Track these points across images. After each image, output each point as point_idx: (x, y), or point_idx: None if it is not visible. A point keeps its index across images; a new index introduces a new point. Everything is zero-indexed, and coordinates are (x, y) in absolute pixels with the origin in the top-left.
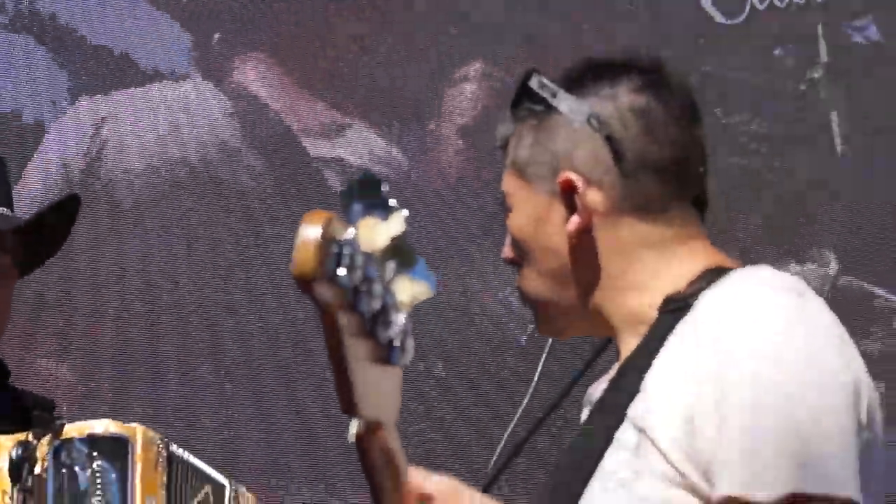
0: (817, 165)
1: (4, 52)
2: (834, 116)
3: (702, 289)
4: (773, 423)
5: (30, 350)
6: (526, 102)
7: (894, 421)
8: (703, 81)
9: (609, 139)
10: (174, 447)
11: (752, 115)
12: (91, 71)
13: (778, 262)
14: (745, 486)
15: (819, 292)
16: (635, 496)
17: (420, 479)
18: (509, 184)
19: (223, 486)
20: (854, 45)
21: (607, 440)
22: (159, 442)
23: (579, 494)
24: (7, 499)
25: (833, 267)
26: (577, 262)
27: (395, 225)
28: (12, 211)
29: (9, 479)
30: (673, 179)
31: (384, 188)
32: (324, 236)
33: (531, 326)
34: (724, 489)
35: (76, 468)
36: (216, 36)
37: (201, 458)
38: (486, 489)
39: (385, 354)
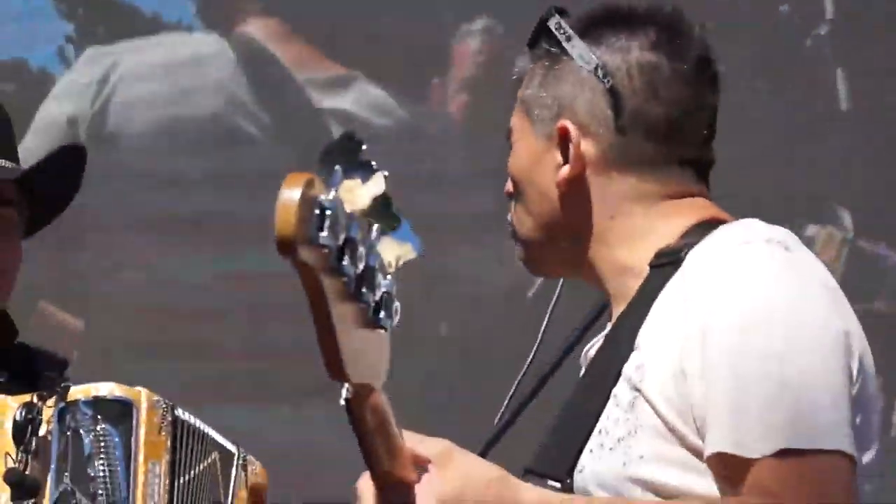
0: (823, 122)
1: (10, 1)
2: (840, 73)
3: (692, 243)
4: (760, 378)
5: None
6: (542, 42)
7: None
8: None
9: (611, 93)
10: (180, 411)
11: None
12: (96, 20)
13: (791, 221)
14: (734, 445)
15: (835, 250)
16: (633, 453)
17: (415, 442)
18: (515, 120)
19: (231, 454)
20: (860, 1)
21: (604, 398)
22: (164, 405)
23: (577, 453)
24: (10, 460)
25: (848, 226)
26: (566, 209)
27: (376, 186)
28: (18, 164)
29: (12, 441)
30: (669, 140)
31: (364, 149)
32: (304, 198)
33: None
34: (714, 447)
35: (80, 431)
36: None
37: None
38: (485, 451)
39: (371, 317)
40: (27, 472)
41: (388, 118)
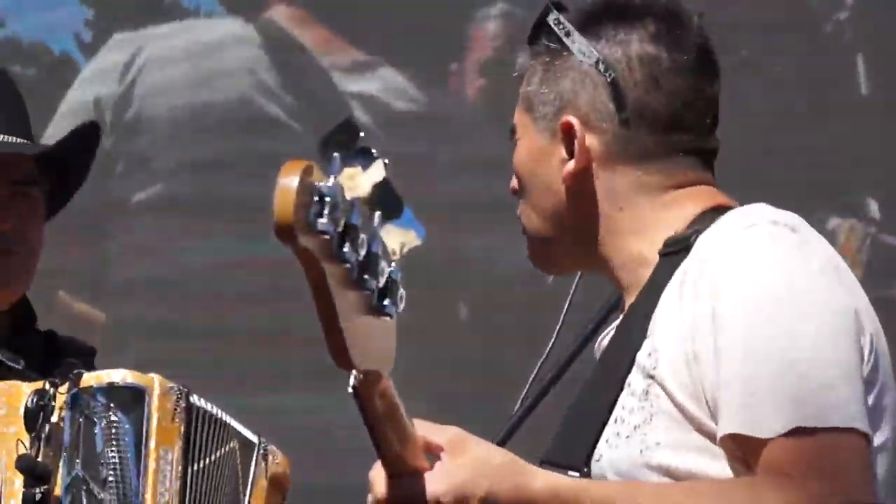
0: (844, 108)
1: None
2: (860, 58)
3: (701, 229)
4: (770, 358)
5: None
6: (542, 38)
7: None
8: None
9: (613, 86)
10: (195, 398)
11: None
12: (116, 6)
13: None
14: (747, 425)
15: (857, 243)
16: (649, 441)
17: (427, 430)
18: (518, 117)
19: (252, 444)
20: None
21: (618, 387)
22: (179, 392)
23: (594, 442)
24: (22, 446)
25: (875, 214)
26: (573, 204)
27: (376, 172)
28: (29, 137)
29: (24, 427)
30: (673, 131)
31: (362, 136)
32: (302, 184)
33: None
34: (727, 428)
35: (92, 418)
36: None
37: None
38: (503, 441)
39: (376, 304)
40: (39, 459)
41: (409, 103)
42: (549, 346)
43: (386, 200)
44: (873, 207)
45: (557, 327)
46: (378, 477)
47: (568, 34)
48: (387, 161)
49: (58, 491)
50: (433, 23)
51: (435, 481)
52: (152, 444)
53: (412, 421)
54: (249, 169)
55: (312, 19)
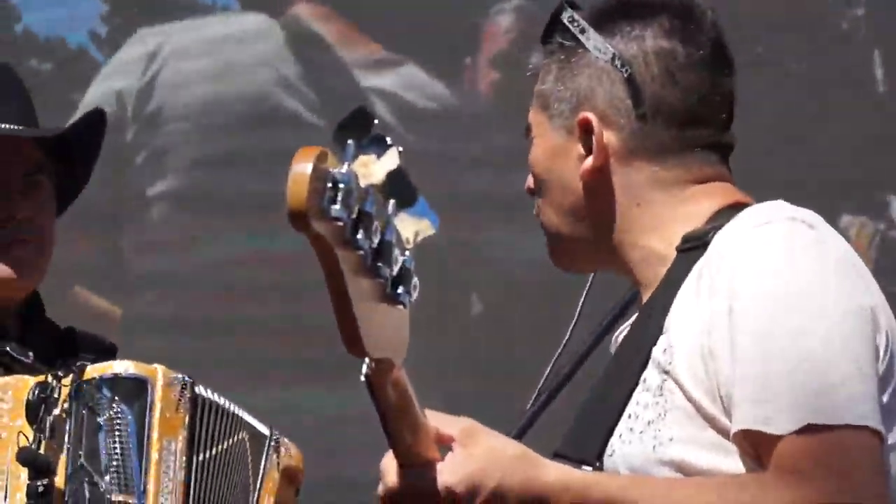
0: (860, 105)
1: None
2: (877, 55)
3: (718, 226)
4: (784, 355)
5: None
6: (556, 36)
7: None
8: (742, 20)
9: (630, 82)
10: (201, 388)
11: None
12: (131, 1)
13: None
14: (760, 422)
15: (867, 240)
16: (662, 436)
17: (439, 421)
18: (533, 116)
19: (263, 436)
20: None
21: (633, 382)
22: (183, 382)
23: (607, 436)
24: (24, 439)
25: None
26: (591, 200)
27: (391, 160)
28: (36, 126)
29: (26, 420)
30: (690, 126)
31: (376, 123)
32: (315, 170)
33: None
34: (740, 425)
35: (95, 410)
36: None
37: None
38: (518, 435)
39: (389, 292)
40: (41, 451)
41: (428, 98)
42: (565, 341)
43: (400, 189)
44: (895, 206)
45: (573, 323)
46: (389, 467)
47: (583, 31)
48: (401, 149)
49: (61, 483)
50: (447, 17)
51: (447, 472)
52: (155, 434)
53: (424, 411)
54: (267, 164)
55: (329, 14)
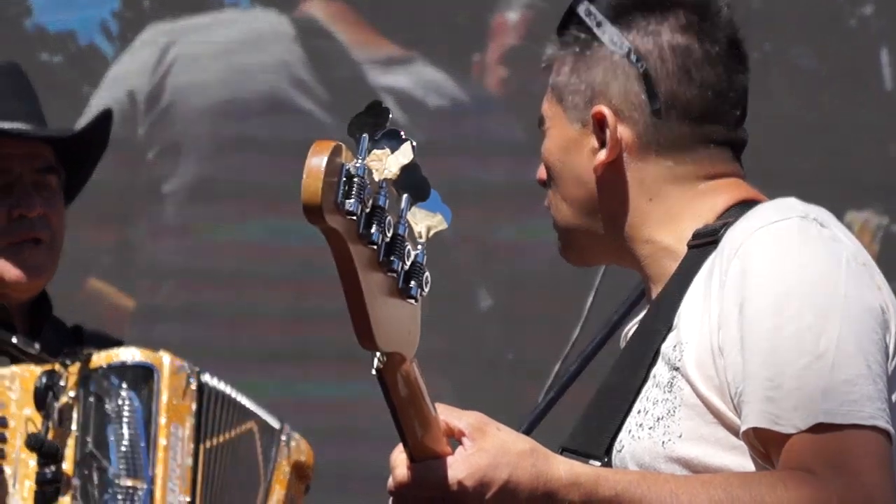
0: (867, 103)
1: None
2: (884, 53)
3: (730, 222)
4: (794, 353)
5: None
6: (572, 28)
7: None
8: (751, 17)
9: (645, 77)
10: (207, 377)
11: (801, 51)
12: None
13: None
14: (770, 420)
15: (870, 236)
16: (671, 433)
17: (449, 415)
18: (547, 108)
19: (273, 429)
20: None
21: (642, 378)
22: (189, 370)
23: (615, 432)
24: (32, 426)
25: None
26: (604, 194)
27: (405, 155)
28: (44, 124)
29: (35, 408)
30: (704, 121)
31: (391, 118)
32: (330, 164)
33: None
34: (749, 422)
35: (102, 397)
36: None
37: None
38: (528, 430)
39: (401, 287)
40: (48, 438)
41: (438, 95)
42: (574, 336)
43: (413, 183)
44: None
45: (583, 318)
46: (399, 460)
47: (599, 24)
48: (415, 144)
49: (70, 470)
50: (456, 14)
51: (456, 466)
52: (162, 420)
53: (435, 405)
54: (278, 158)
55: (345, 11)
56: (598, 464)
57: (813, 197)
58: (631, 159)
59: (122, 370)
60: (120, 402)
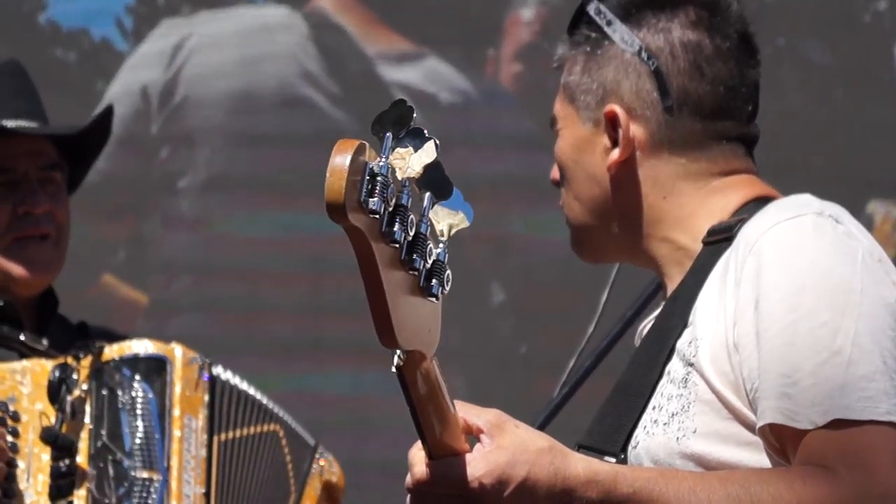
0: (880, 98)
1: None
2: None
3: (745, 218)
4: (810, 350)
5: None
6: (582, 28)
7: None
8: (763, 12)
9: (656, 74)
10: (219, 368)
11: (815, 46)
12: None
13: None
14: (786, 416)
15: (891, 227)
16: (686, 429)
17: (467, 412)
18: (559, 107)
19: (306, 443)
20: None
21: (657, 374)
22: (200, 362)
23: (631, 428)
24: (45, 419)
25: None
26: (617, 193)
27: (428, 153)
28: (46, 123)
29: (48, 402)
30: (717, 118)
31: (416, 117)
32: (353, 163)
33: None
34: (765, 419)
35: (115, 390)
36: None
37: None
38: (542, 426)
39: (422, 285)
40: (62, 432)
41: (451, 90)
42: (589, 333)
43: (436, 181)
44: None
45: (597, 315)
46: (417, 457)
47: (609, 23)
48: (437, 142)
49: (84, 463)
50: (470, 9)
51: (475, 464)
52: (176, 412)
53: (454, 402)
54: (290, 154)
55: (356, 6)
56: (614, 461)
57: (825, 192)
58: (644, 157)
59: (134, 362)
60: (133, 394)
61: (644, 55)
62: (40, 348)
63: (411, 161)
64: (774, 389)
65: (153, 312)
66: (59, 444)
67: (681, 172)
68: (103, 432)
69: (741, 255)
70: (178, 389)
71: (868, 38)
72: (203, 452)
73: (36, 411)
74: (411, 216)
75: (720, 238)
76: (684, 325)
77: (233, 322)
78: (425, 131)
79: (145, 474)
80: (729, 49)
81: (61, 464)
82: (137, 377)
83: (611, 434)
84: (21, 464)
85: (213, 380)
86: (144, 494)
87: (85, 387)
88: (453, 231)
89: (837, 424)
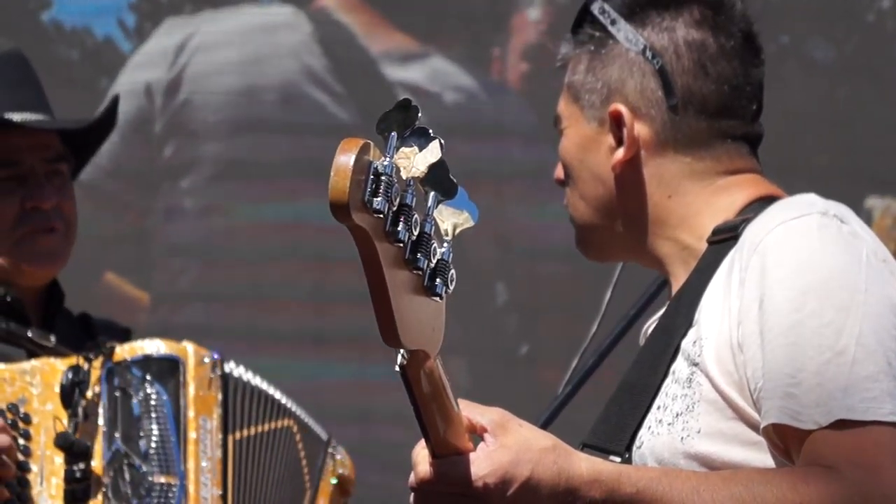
0: (884, 96)
1: None
2: None
3: (749, 218)
4: (814, 350)
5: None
6: (586, 27)
7: None
8: (767, 10)
9: (661, 73)
10: (231, 365)
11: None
12: None
13: (856, 198)
14: (790, 416)
15: (892, 220)
16: (690, 428)
17: (471, 411)
18: (563, 107)
19: (319, 438)
20: None
21: (662, 374)
22: (212, 360)
23: (636, 428)
24: (59, 423)
25: None
26: (622, 192)
27: (433, 153)
28: (51, 115)
29: (61, 405)
30: (721, 116)
31: (420, 116)
32: (357, 163)
33: None
34: (770, 418)
35: (129, 391)
36: None
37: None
38: (545, 425)
39: (426, 284)
40: (77, 436)
41: (455, 90)
42: (592, 332)
43: (440, 181)
44: None
45: (601, 314)
46: (421, 456)
47: (613, 22)
48: (442, 142)
49: (99, 467)
50: (475, 8)
51: (478, 462)
52: (191, 413)
53: (457, 401)
54: (295, 152)
55: (361, 5)
56: (618, 460)
57: (829, 191)
58: (649, 156)
59: (147, 363)
60: (147, 396)
61: (648, 54)
62: (48, 345)
63: (416, 160)
64: (778, 389)
65: (159, 303)
66: (76, 450)
67: (686, 171)
68: (117, 435)
69: (746, 255)
70: (191, 390)
71: (872, 37)
72: (218, 453)
73: (47, 412)
74: (415, 215)
75: (725, 237)
76: (689, 325)
77: (238, 311)
78: (430, 131)
79: (163, 479)
80: (733, 48)
81: (76, 468)
82: (150, 378)
83: (615, 433)
84: (34, 467)
85: (225, 378)
86: (163, 500)
87: (97, 388)
88: (458, 230)
89: (841, 425)
